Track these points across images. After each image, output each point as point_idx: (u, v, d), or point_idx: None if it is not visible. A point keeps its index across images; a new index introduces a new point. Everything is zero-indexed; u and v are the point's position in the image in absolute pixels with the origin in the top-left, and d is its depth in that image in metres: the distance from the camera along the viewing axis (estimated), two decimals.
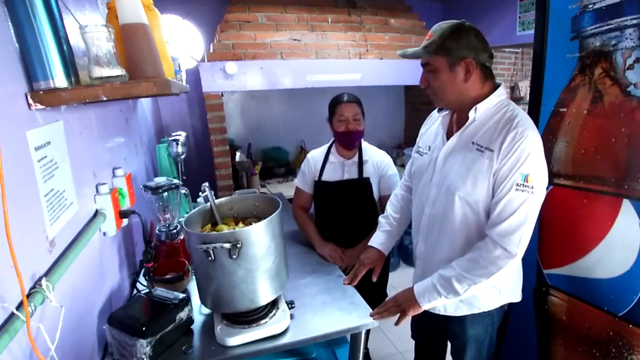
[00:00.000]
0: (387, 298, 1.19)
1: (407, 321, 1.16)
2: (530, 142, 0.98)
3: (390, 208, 1.46)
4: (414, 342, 1.57)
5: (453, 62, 1.04)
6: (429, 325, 1.41)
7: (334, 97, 1.69)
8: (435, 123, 1.27)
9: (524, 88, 3.73)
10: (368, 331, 1.16)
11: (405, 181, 1.46)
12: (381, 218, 1.46)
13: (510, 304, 1.24)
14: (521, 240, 0.99)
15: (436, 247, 1.17)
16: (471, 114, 1.06)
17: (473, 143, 1.07)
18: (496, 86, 1.09)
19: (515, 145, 0.98)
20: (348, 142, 1.65)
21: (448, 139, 1.15)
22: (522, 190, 0.98)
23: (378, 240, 1.41)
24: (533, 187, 0.98)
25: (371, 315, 1.13)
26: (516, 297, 1.21)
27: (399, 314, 1.14)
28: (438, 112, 1.24)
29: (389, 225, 1.42)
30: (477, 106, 1.05)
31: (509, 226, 0.99)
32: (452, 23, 1.05)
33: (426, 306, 1.11)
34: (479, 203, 1.06)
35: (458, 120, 1.15)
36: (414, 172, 1.30)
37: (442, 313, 1.21)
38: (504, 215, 1.00)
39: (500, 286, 1.15)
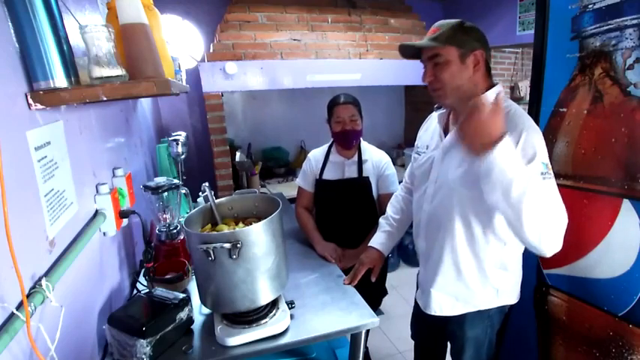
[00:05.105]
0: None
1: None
2: (538, 134, 0.98)
3: (390, 210, 1.47)
4: (413, 342, 1.57)
5: (464, 53, 1.04)
6: (428, 327, 1.40)
7: (332, 98, 1.71)
8: (432, 123, 1.28)
9: (524, 88, 3.73)
10: (368, 331, 1.16)
11: (406, 183, 1.47)
12: (381, 219, 1.47)
13: (510, 305, 1.24)
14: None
15: (435, 243, 1.18)
16: None
17: None
18: (492, 84, 1.09)
19: (528, 140, 0.96)
20: (345, 141, 1.67)
21: (446, 136, 1.15)
22: (548, 178, 0.94)
23: (378, 240, 1.41)
24: (551, 173, 0.95)
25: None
26: (514, 299, 1.22)
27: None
28: (436, 110, 1.24)
29: (389, 226, 1.43)
30: None
31: None
32: (456, 19, 1.06)
33: (499, 149, 0.84)
34: (482, 197, 1.05)
35: (455, 117, 1.16)
36: (414, 173, 1.31)
37: (439, 314, 1.21)
38: None
39: (497, 286, 1.15)
